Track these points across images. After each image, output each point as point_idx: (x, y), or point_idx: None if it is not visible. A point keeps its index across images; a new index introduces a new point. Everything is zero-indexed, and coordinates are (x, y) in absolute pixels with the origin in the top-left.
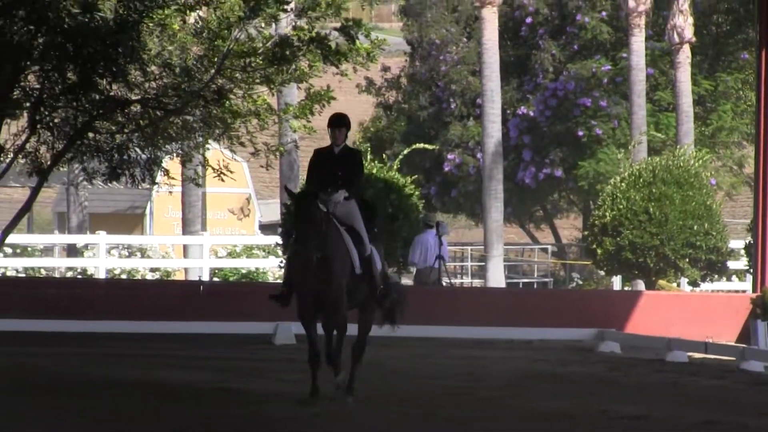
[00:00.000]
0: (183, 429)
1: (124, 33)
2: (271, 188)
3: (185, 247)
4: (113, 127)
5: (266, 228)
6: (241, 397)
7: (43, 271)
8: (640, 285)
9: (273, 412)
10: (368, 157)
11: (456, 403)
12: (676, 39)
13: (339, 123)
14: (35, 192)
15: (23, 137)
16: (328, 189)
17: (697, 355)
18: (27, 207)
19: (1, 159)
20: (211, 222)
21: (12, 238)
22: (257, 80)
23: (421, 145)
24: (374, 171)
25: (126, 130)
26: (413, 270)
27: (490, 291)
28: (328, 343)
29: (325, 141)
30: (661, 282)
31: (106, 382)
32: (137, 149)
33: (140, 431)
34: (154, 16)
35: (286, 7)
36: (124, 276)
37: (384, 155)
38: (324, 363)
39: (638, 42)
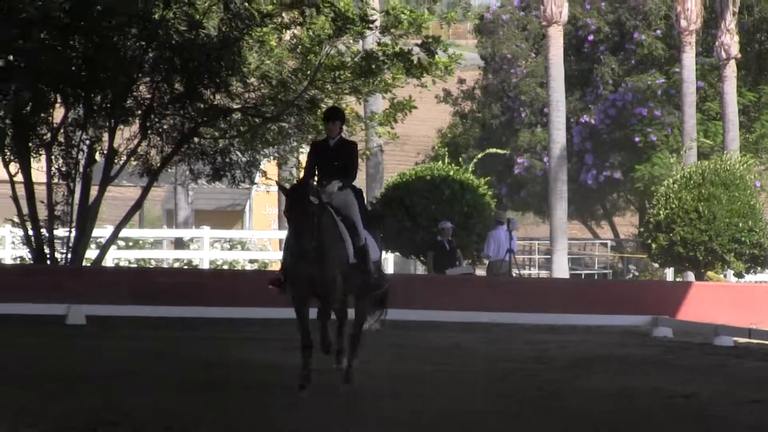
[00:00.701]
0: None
1: (226, 48)
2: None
3: (281, 241)
4: (216, 133)
5: None
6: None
7: (153, 262)
8: (690, 276)
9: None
10: (446, 160)
11: (527, 381)
12: (723, 55)
13: (333, 116)
14: (146, 191)
15: (135, 141)
16: (323, 181)
17: (741, 340)
18: (138, 204)
19: (116, 161)
20: None
21: (125, 233)
22: (346, 91)
23: (494, 150)
24: (451, 173)
25: (228, 136)
26: (486, 261)
27: (555, 281)
28: (323, 332)
29: (408, 145)
30: (710, 273)
31: (246, 362)
32: (238, 153)
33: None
34: (254, 34)
35: (371, 25)
36: (225, 266)
37: (460, 159)
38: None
39: (689, 58)
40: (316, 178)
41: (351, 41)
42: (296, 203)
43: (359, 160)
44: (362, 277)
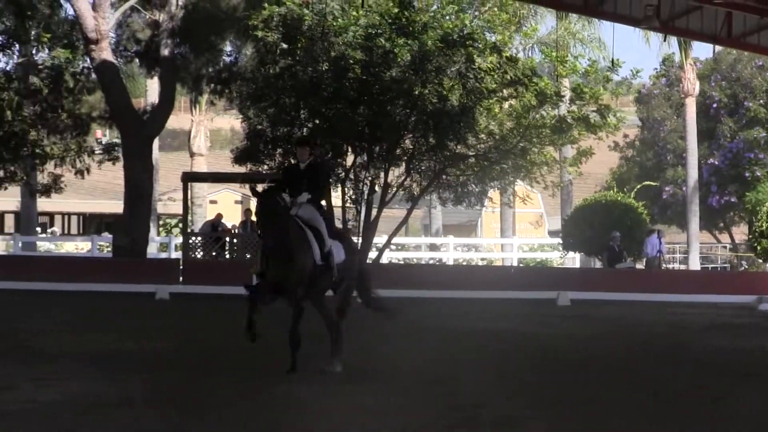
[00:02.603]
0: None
1: (464, 114)
2: (555, 209)
3: (502, 246)
4: (457, 172)
5: (552, 233)
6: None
7: (414, 260)
8: None
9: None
10: (615, 190)
11: (669, 339)
12: None
13: (303, 143)
14: (410, 211)
15: (402, 178)
16: (292, 194)
17: None
18: (404, 221)
19: (389, 191)
20: (518, 230)
21: (395, 240)
22: (546, 143)
23: (648, 183)
24: (619, 199)
25: (465, 174)
26: (644, 259)
27: (689, 272)
28: (295, 323)
29: (590, 180)
30: None
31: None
32: (472, 185)
33: None
34: (483, 104)
35: (563, 98)
36: (464, 263)
37: (624, 189)
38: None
39: None
40: (287, 192)
41: (549, 109)
42: (266, 205)
43: (329, 179)
44: (328, 276)
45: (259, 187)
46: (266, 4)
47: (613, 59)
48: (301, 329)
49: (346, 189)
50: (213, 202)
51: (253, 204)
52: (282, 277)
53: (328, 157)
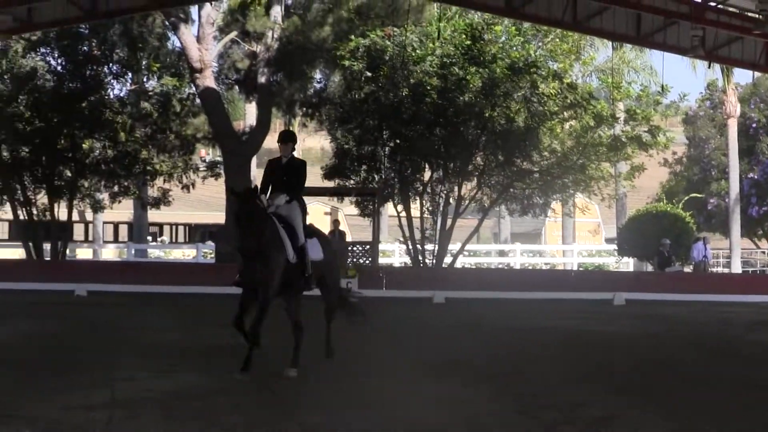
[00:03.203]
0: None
1: (529, 134)
2: (611, 218)
3: (564, 252)
4: (523, 186)
5: (609, 241)
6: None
7: (484, 265)
8: None
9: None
10: (664, 201)
11: (717, 335)
12: None
13: (286, 139)
14: (481, 221)
15: (474, 191)
16: (272, 194)
17: None
18: (476, 230)
19: (462, 203)
20: (578, 237)
21: (468, 247)
22: (602, 159)
23: (695, 195)
24: (668, 209)
25: (530, 187)
26: (692, 263)
27: (732, 275)
28: (258, 319)
29: (642, 192)
30: None
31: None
32: (536, 197)
33: None
34: (546, 125)
35: (618, 120)
36: (529, 267)
37: (673, 201)
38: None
39: None
40: (269, 190)
41: (605, 129)
42: (243, 206)
43: (305, 176)
44: (301, 272)
45: (237, 189)
46: (352, 36)
47: (663, 85)
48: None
49: (423, 201)
50: (307, 214)
51: (341, 215)
52: (256, 275)
53: (408, 173)
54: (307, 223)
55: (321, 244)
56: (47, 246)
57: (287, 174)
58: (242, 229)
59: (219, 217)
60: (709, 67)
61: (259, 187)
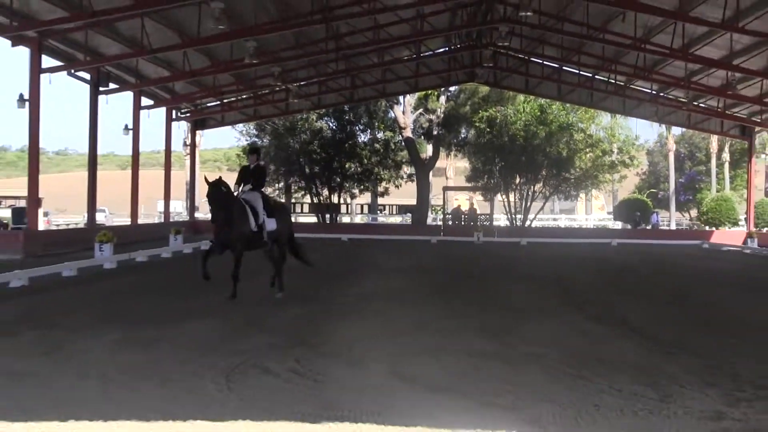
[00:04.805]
0: None
1: (569, 159)
2: (610, 202)
3: (586, 218)
4: (566, 186)
5: (609, 213)
6: None
7: (546, 225)
8: None
9: None
10: (636, 193)
11: (661, 259)
12: None
13: (252, 152)
14: (544, 203)
15: (541, 188)
16: (243, 185)
17: None
18: (541, 208)
19: (534, 194)
20: (593, 210)
21: (539, 216)
22: (605, 172)
23: (652, 190)
24: (638, 197)
25: (570, 186)
26: (651, 225)
27: (671, 230)
28: (236, 267)
29: (625, 189)
30: None
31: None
32: (572, 191)
33: None
34: (577, 155)
35: (613, 153)
36: (568, 226)
37: (641, 193)
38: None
39: None
40: (242, 185)
41: (607, 157)
42: (213, 190)
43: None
44: (260, 237)
45: (209, 179)
46: (480, 111)
47: (636, 135)
48: (240, 271)
49: (515, 193)
50: (456, 199)
51: (475, 200)
52: (227, 238)
53: (507, 179)
54: (279, 202)
55: (276, 219)
56: (327, 216)
57: (253, 175)
58: (213, 205)
59: (413, 200)
60: (660, 125)
61: (236, 181)
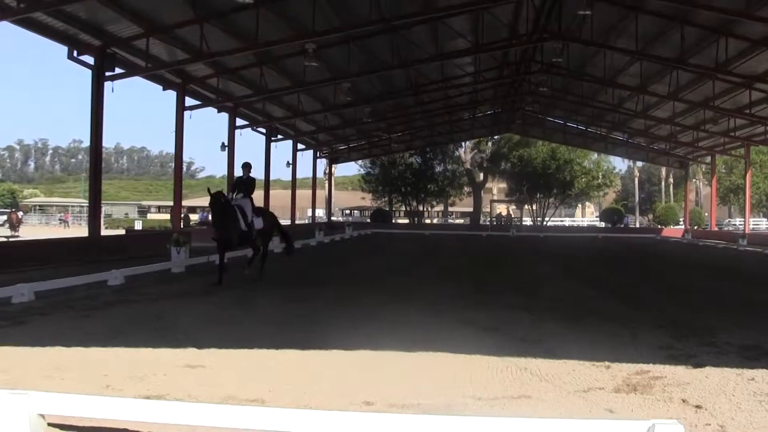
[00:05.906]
0: None
1: (570, 182)
2: (597, 209)
3: (582, 220)
4: (569, 199)
5: (597, 217)
6: None
7: (556, 224)
8: None
9: None
10: (614, 204)
11: (634, 246)
12: None
13: (245, 167)
14: (555, 210)
15: (552, 200)
16: (236, 193)
17: None
18: (553, 213)
19: (548, 204)
20: (585, 214)
21: (552, 219)
22: (594, 191)
23: (625, 202)
24: (616, 206)
25: (571, 199)
26: (624, 224)
27: (637, 227)
28: (223, 261)
29: (607, 200)
30: None
31: None
32: (573, 202)
33: None
34: (576, 179)
35: (599, 178)
36: (569, 224)
37: (618, 204)
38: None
39: None
40: (235, 192)
41: (595, 181)
42: (215, 200)
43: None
44: (250, 235)
45: (211, 190)
46: (514, 151)
47: (614, 166)
48: (227, 263)
49: (535, 203)
50: (498, 208)
51: (511, 208)
52: (226, 236)
53: (530, 194)
54: (264, 208)
55: (263, 219)
56: (415, 219)
57: (245, 184)
58: (214, 214)
59: (471, 209)
60: (629, 160)
61: (226, 190)
